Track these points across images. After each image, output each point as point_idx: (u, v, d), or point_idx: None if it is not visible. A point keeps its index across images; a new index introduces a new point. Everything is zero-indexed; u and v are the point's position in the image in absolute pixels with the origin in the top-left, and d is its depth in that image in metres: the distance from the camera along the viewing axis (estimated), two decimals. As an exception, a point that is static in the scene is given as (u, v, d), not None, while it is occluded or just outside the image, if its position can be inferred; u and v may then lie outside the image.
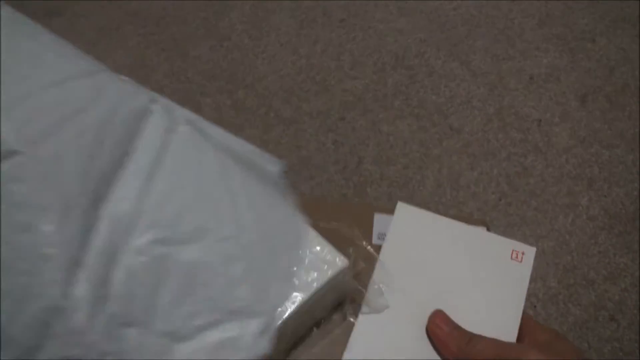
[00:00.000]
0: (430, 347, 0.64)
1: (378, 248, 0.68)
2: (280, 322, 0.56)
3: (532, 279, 0.96)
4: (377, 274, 0.67)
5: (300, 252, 0.61)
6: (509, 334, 0.65)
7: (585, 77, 1.26)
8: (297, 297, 0.58)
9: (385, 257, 0.68)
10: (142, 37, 1.60)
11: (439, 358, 0.63)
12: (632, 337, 0.86)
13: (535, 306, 0.90)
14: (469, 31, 1.43)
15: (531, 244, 0.93)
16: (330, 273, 0.60)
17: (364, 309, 0.68)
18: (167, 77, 1.47)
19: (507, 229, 1.01)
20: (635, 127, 1.14)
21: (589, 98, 1.21)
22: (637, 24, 1.35)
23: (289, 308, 0.58)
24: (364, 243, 0.71)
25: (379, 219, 0.73)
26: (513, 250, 0.71)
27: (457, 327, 0.61)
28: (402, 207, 0.72)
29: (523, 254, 0.71)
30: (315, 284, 0.59)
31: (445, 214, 0.73)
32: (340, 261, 0.61)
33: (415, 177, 1.13)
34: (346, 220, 0.70)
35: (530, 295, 0.92)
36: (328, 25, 1.53)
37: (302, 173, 1.21)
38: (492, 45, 1.38)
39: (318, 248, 0.63)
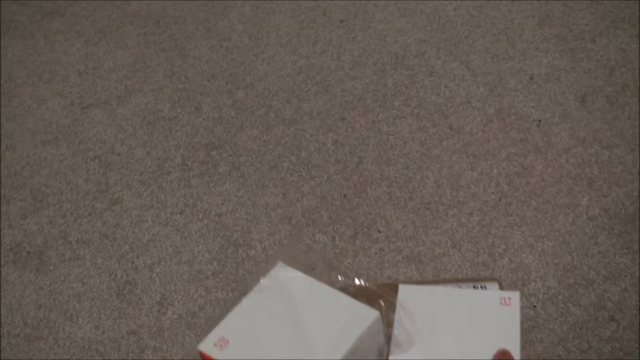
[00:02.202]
0: None
1: None
2: None
3: (533, 280, 0.97)
4: (400, 316, 0.84)
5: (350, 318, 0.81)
6: None
7: (585, 77, 1.26)
8: (343, 346, 0.77)
9: (398, 330, 0.84)
10: (142, 37, 1.60)
11: None
12: (632, 337, 0.86)
13: (535, 306, 0.90)
14: (469, 31, 1.43)
15: (531, 244, 0.98)
16: (366, 323, 0.79)
17: (394, 350, 0.82)
18: (167, 77, 1.47)
19: (507, 229, 1.01)
20: (635, 127, 1.14)
21: (589, 98, 1.21)
22: (637, 24, 1.35)
23: (337, 355, 0.76)
24: (393, 299, 0.87)
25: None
26: (501, 298, 0.85)
27: None
28: (403, 287, 0.88)
29: (510, 298, 0.84)
30: (355, 334, 0.78)
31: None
32: (372, 313, 0.79)
33: (415, 177, 1.13)
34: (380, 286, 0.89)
35: (530, 295, 0.92)
36: (328, 25, 1.53)
37: (302, 173, 1.21)
38: (492, 45, 1.38)
39: (357, 307, 0.81)
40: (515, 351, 0.78)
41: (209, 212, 1.16)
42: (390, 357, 0.81)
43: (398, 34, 1.46)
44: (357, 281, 0.88)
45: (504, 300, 0.84)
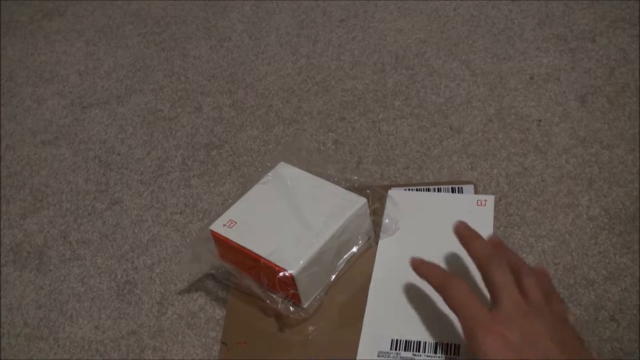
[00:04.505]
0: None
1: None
2: (323, 242, 0.89)
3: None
4: (388, 207, 1.00)
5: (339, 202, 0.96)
6: None
7: (585, 77, 1.26)
8: (333, 224, 0.92)
9: (387, 219, 1.00)
10: (142, 37, 1.60)
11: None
12: (632, 337, 0.86)
13: (535, 306, 0.90)
14: (469, 31, 1.43)
15: (531, 244, 0.99)
16: (354, 207, 0.94)
17: (382, 235, 0.97)
18: (167, 77, 1.47)
19: (507, 229, 1.01)
20: (635, 127, 1.14)
21: (589, 98, 1.21)
22: (637, 24, 1.35)
23: (329, 232, 0.90)
24: (380, 189, 1.04)
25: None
26: (478, 200, 1.01)
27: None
28: (392, 192, 1.05)
29: (486, 201, 1.01)
30: (345, 215, 0.92)
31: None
32: (360, 200, 0.95)
33: (415, 177, 1.13)
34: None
35: (530, 295, 0.92)
36: (328, 25, 1.53)
37: (302, 173, 1.21)
38: (492, 45, 1.38)
39: (347, 195, 0.96)
40: None
41: (209, 212, 1.16)
42: (380, 240, 0.97)
43: (398, 34, 1.46)
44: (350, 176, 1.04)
45: (480, 202, 1.00)
